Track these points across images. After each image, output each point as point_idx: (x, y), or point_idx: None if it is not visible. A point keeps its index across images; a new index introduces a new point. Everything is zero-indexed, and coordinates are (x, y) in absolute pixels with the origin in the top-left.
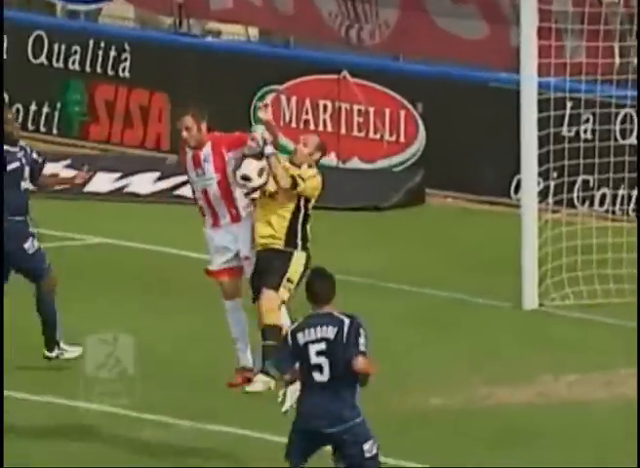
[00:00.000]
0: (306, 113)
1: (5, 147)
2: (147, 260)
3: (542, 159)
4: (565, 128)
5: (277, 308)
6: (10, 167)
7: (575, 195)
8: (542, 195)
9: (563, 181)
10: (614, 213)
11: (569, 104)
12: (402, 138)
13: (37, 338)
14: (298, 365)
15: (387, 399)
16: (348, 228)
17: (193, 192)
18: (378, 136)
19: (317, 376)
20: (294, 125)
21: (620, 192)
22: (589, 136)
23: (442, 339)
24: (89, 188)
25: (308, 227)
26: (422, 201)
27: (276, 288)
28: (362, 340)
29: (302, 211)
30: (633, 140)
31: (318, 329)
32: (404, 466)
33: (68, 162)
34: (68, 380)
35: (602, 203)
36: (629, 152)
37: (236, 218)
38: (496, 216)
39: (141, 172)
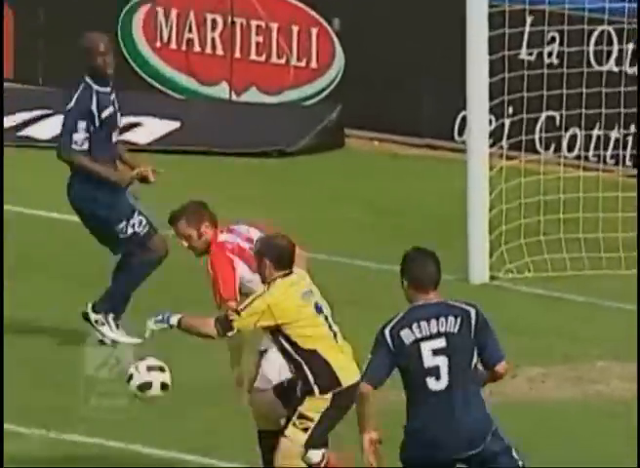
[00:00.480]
0: (190, 31)
1: (95, 87)
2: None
3: (495, 90)
4: (524, 50)
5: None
6: (103, 114)
7: (537, 137)
8: (495, 137)
9: (522, 119)
10: (587, 159)
11: (529, 19)
12: (314, 64)
13: None
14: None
15: None
16: (244, 179)
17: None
18: (282, 61)
19: (432, 383)
20: (173, 46)
21: (595, 133)
22: (555, 60)
23: (368, 322)
24: None
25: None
26: (341, 144)
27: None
28: (495, 336)
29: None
30: (611, 66)
31: (434, 321)
32: None
33: None
34: None
35: (572, 147)
36: (606, 81)
37: None
38: (434, 164)
39: None
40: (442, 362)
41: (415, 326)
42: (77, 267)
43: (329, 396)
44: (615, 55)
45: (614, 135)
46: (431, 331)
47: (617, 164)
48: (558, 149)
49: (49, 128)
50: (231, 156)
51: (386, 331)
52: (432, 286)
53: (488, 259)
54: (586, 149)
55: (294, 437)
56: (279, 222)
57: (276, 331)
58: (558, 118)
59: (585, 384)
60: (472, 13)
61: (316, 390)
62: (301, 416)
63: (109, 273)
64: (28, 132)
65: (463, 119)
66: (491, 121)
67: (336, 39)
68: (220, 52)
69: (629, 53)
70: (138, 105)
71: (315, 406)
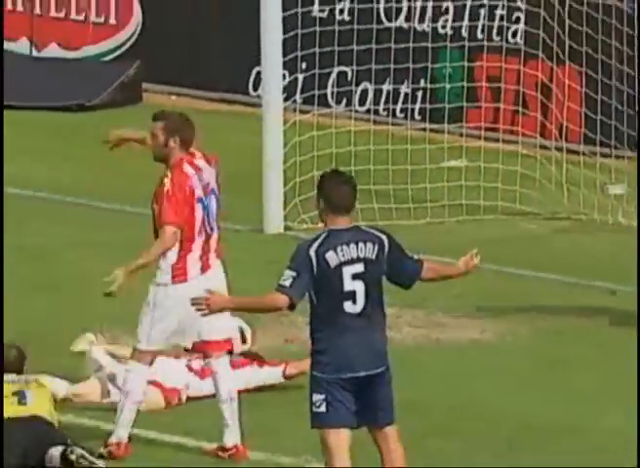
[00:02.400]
0: None
1: None
2: None
3: (288, 46)
4: (316, 7)
5: None
6: None
7: (329, 91)
8: (289, 92)
9: (314, 74)
10: (377, 113)
11: None
12: (112, 20)
13: None
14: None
15: None
16: (40, 133)
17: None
18: (82, 18)
19: (349, 307)
20: None
21: (386, 87)
22: (347, 17)
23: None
24: None
25: None
26: (139, 99)
27: None
28: (407, 253)
29: None
30: (401, 23)
31: (353, 246)
32: None
33: None
34: None
35: (363, 101)
36: (395, 37)
37: None
38: (231, 118)
39: None
40: (359, 286)
41: (339, 249)
42: None
43: None
44: (404, 12)
45: (403, 89)
46: (352, 256)
47: (405, 118)
48: (350, 103)
49: None
50: (31, 110)
51: (312, 252)
52: (349, 210)
53: (282, 210)
54: (377, 103)
55: None
56: (75, 174)
57: None
58: (350, 73)
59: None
60: None
61: None
62: None
63: None
64: None
65: (258, 74)
66: (285, 76)
67: None
68: (20, 8)
69: (418, 9)
70: None
71: None
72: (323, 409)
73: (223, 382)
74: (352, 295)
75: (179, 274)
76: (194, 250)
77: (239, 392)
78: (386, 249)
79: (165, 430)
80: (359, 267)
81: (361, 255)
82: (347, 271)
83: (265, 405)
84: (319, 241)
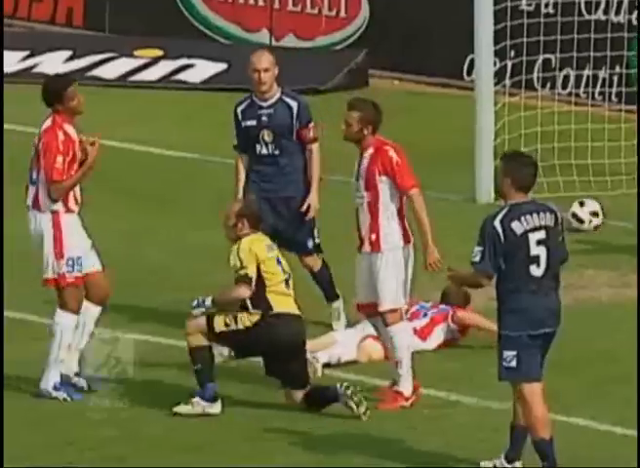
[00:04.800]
0: None
1: None
2: None
3: (499, 36)
4: (524, 1)
5: (197, 330)
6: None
7: (535, 76)
8: (499, 77)
9: (521, 61)
10: (578, 96)
11: None
12: (343, 13)
13: None
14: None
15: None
16: None
17: None
18: (315, 11)
19: (534, 270)
20: None
21: (586, 73)
22: (551, 10)
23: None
24: None
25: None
26: (366, 83)
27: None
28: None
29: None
30: (599, 15)
31: (535, 215)
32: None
33: None
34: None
35: (565, 85)
36: (595, 28)
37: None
38: (447, 100)
39: (51, 50)
40: (542, 251)
41: (522, 219)
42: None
43: (258, 312)
44: (602, 5)
45: (601, 75)
46: (535, 224)
47: (603, 100)
48: (553, 87)
49: (114, 68)
50: None
51: (497, 224)
52: (530, 189)
53: (493, 182)
54: (577, 87)
55: (217, 324)
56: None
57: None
58: (553, 60)
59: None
60: None
61: (250, 307)
62: (235, 317)
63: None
64: (97, 72)
65: (472, 61)
66: (495, 63)
67: None
68: (261, 3)
69: (615, 3)
70: (191, 50)
71: (247, 318)
72: (514, 363)
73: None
74: (537, 260)
75: (406, 238)
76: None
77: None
78: (559, 221)
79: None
80: (542, 234)
81: (542, 223)
82: (532, 238)
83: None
84: (503, 213)
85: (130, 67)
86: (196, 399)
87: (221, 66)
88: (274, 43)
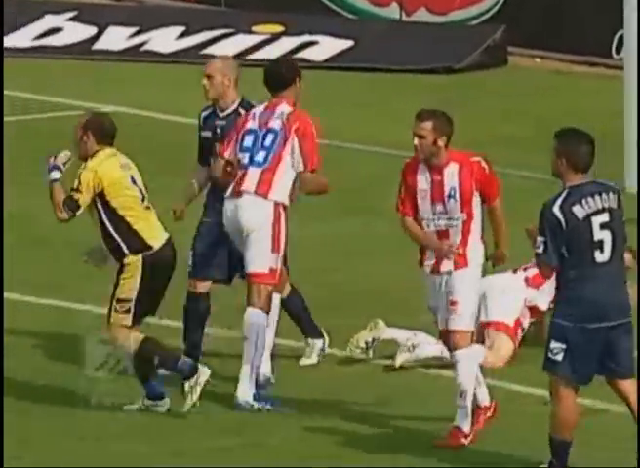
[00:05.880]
0: None
1: None
2: (168, 134)
3: None
4: None
5: (125, 336)
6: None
7: None
8: None
9: None
10: None
11: None
12: None
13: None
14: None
15: None
16: (413, 94)
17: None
18: None
19: (598, 256)
20: None
21: None
22: None
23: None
24: (98, 46)
25: (136, 227)
26: (505, 61)
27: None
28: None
29: (105, 213)
30: None
31: (597, 197)
32: None
33: (74, 13)
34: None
35: None
36: None
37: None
38: (593, 80)
39: (162, 26)
40: (607, 235)
41: (584, 201)
42: None
43: (139, 257)
44: None
45: None
46: (597, 207)
47: None
48: None
49: (231, 46)
50: (401, 73)
51: (556, 210)
52: (589, 168)
53: None
54: None
55: (117, 321)
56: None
57: (98, 198)
58: None
59: None
60: None
61: (126, 251)
62: (120, 301)
63: None
64: (211, 50)
65: (621, 38)
66: None
67: None
68: None
69: None
70: (314, 25)
71: (128, 282)
72: (559, 357)
73: None
74: (600, 245)
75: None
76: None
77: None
78: (622, 202)
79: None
80: (605, 217)
81: (605, 205)
82: (596, 221)
83: None
84: (562, 198)
85: (248, 45)
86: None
87: (347, 43)
88: (405, 18)
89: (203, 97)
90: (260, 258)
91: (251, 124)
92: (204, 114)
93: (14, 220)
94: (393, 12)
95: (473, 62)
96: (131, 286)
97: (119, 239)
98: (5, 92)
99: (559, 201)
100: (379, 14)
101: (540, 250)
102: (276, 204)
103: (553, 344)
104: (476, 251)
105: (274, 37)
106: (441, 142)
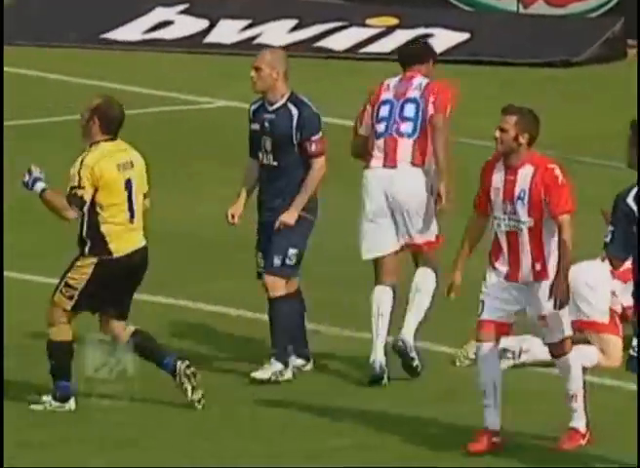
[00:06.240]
0: None
1: None
2: None
3: None
4: None
5: (60, 321)
6: None
7: None
8: None
9: None
10: None
11: None
12: None
13: None
14: None
15: None
16: (530, 88)
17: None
18: None
19: None
20: None
21: None
22: None
23: None
24: (210, 39)
25: (104, 227)
26: (623, 55)
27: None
28: None
29: (90, 205)
30: None
31: None
32: None
33: (186, 6)
34: None
35: None
36: None
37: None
38: None
39: (274, 19)
40: None
41: None
42: None
43: (94, 260)
44: None
45: None
46: None
47: None
48: None
49: (344, 39)
50: (518, 66)
51: (630, 201)
52: None
53: None
54: None
55: (59, 302)
56: (560, 129)
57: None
58: None
59: None
60: None
61: (86, 250)
62: (67, 285)
63: None
64: (325, 43)
65: None
66: None
67: None
68: None
69: None
70: (430, 18)
71: (79, 272)
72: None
73: None
74: None
75: None
76: None
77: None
78: None
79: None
80: None
81: None
82: None
83: None
84: (637, 189)
85: (361, 38)
86: (48, 398)
87: (463, 36)
88: (522, 10)
89: (317, 91)
90: (427, 227)
91: (386, 95)
92: (253, 107)
93: None
94: (510, 4)
95: (592, 55)
96: (81, 277)
97: (86, 235)
98: (114, 85)
99: (634, 192)
100: (496, 6)
101: (608, 239)
102: (428, 173)
103: (635, 341)
104: (554, 262)
105: (388, 30)
106: (522, 139)
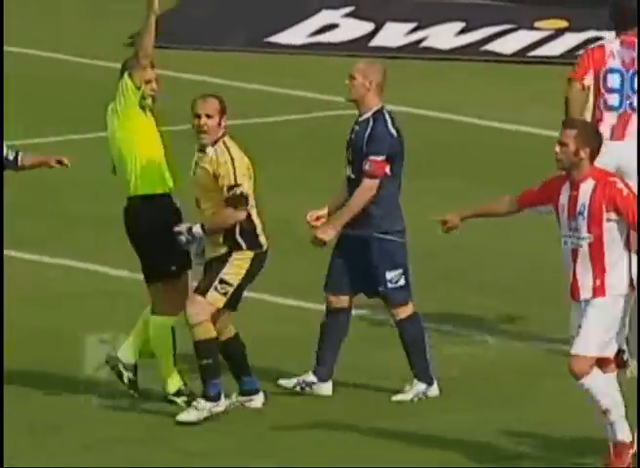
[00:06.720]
0: None
1: None
2: (449, 134)
3: None
4: None
5: (206, 319)
6: None
7: None
8: None
9: None
10: None
11: None
12: None
13: None
14: None
15: None
16: None
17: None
18: None
19: None
20: None
21: None
22: None
23: None
24: (375, 42)
25: (256, 220)
26: None
27: (204, 292)
28: None
29: None
30: None
31: None
32: None
33: (352, 9)
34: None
35: None
36: None
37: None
38: None
39: (441, 22)
40: None
41: None
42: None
43: (251, 254)
44: None
45: None
46: None
47: None
48: None
49: (513, 42)
50: None
51: None
52: None
53: None
54: None
55: (212, 300)
56: None
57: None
58: None
59: None
60: None
61: (244, 246)
62: (222, 281)
63: None
64: (492, 47)
65: None
66: None
67: None
68: None
69: None
70: (601, 20)
71: (235, 270)
72: None
73: None
74: None
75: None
76: None
77: None
78: None
79: None
80: None
81: None
82: None
83: None
84: None
85: (530, 41)
86: (201, 402)
87: None
88: None
89: (485, 95)
90: None
91: (612, 62)
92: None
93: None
94: None
95: None
96: (239, 272)
97: (241, 229)
98: (275, 89)
99: None
100: None
101: None
102: None
103: None
104: (614, 280)
105: (557, 33)
106: (583, 154)
